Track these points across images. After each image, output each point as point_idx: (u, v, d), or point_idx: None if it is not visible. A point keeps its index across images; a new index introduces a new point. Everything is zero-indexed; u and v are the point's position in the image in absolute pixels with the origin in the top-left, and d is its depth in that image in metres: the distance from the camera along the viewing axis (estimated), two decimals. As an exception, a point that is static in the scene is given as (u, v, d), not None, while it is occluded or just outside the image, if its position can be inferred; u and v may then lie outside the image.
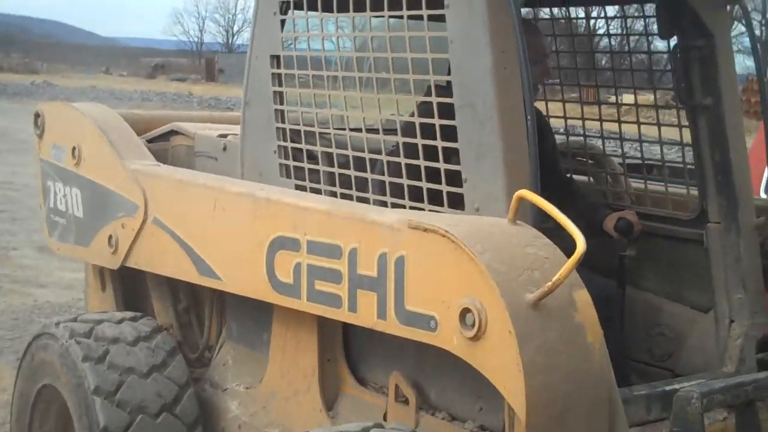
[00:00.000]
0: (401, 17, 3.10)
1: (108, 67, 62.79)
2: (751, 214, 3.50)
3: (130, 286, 4.44)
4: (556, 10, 4.24)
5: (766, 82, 3.47)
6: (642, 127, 3.98)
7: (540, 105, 4.20)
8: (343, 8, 3.26)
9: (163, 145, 4.41)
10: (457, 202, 2.96)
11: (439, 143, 2.97)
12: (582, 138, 4.24)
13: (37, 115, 4.58)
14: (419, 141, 3.04)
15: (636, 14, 3.99)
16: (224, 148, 4.00)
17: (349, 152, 3.30)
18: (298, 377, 3.41)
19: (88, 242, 4.24)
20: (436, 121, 2.98)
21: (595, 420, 2.51)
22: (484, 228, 2.61)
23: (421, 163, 3.02)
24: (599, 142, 4.27)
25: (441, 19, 3.00)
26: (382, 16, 3.15)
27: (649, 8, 3.81)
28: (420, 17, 3.03)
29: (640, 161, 4.14)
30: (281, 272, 3.13)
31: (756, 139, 6.40)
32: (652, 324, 3.76)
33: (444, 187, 2.97)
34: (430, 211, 2.97)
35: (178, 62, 71.46)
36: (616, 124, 4.06)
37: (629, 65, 4.13)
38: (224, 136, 4.07)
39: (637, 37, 4.32)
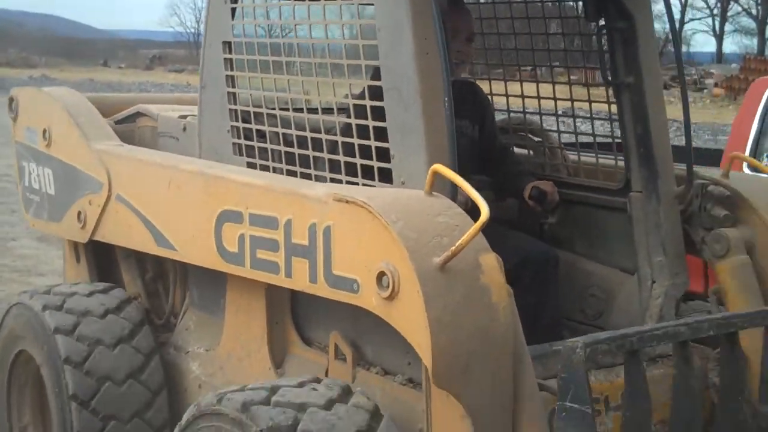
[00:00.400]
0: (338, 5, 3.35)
1: (106, 60, 62.30)
2: (671, 184, 3.70)
3: (103, 258, 4.68)
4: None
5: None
6: (576, 103, 4.24)
7: (484, 84, 4.46)
8: None
9: (130, 126, 4.64)
10: (387, 177, 3.18)
11: (370, 123, 3.20)
12: (522, 114, 4.50)
13: (11, 100, 4.79)
14: (353, 121, 3.28)
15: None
16: (184, 129, 4.21)
17: (293, 132, 3.53)
18: (249, 339, 3.64)
19: (59, 218, 4.49)
20: (368, 103, 3.20)
21: (499, 374, 2.69)
22: (401, 199, 2.83)
23: (355, 141, 3.25)
24: (539, 119, 4.52)
25: None
26: (320, 3, 3.40)
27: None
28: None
29: (574, 135, 4.38)
30: (228, 242, 3.36)
31: (736, 119, 6.44)
32: (585, 286, 3.95)
33: (375, 163, 3.19)
34: (364, 185, 3.20)
35: (175, 53, 70.67)
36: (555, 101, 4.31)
37: (564, 47, 4.37)
38: (184, 117, 4.29)
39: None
